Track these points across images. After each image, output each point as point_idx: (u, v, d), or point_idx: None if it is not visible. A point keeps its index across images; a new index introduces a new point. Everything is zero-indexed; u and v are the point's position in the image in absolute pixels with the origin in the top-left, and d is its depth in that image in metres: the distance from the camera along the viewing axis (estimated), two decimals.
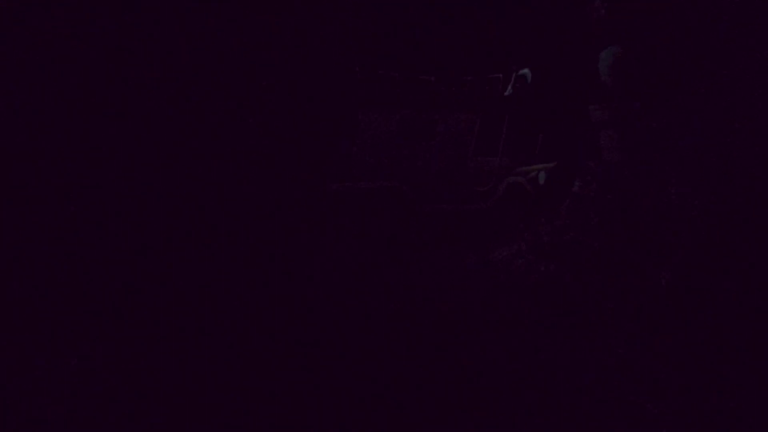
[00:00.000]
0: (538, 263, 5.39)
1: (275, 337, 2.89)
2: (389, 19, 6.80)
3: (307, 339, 2.95)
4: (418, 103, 6.38)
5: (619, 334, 4.24)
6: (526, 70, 6.00)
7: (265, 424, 2.03)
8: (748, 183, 4.33)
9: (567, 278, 5.14)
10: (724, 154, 4.52)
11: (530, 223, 5.54)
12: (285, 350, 2.66)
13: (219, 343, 2.57)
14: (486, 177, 6.10)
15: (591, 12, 5.25)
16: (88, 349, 2.13)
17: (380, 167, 6.22)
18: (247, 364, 2.44)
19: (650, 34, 5.62)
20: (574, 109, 5.76)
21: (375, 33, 6.70)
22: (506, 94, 6.22)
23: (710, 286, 4.38)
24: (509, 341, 3.79)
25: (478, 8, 6.40)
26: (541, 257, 5.42)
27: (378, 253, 5.97)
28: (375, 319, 3.99)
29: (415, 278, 5.59)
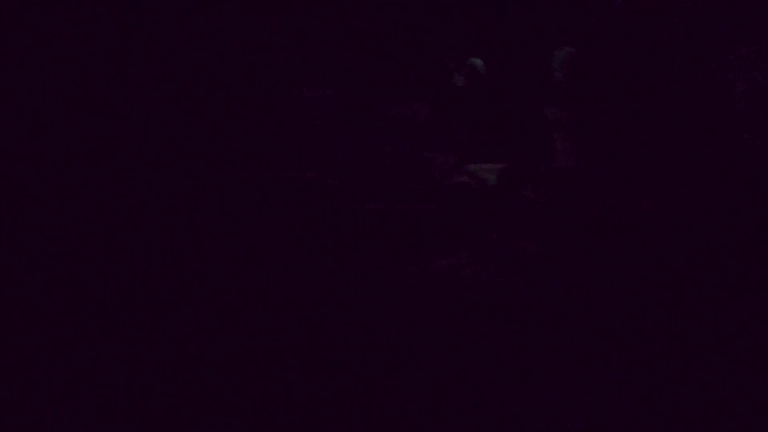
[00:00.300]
0: (486, 273, 4.86)
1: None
2: None
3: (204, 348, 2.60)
4: (356, 83, 5.59)
5: (570, 347, 3.88)
6: (478, 60, 5.50)
7: None
8: (702, 193, 4.15)
9: (517, 290, 4.66)
10: (676, 163, 4.32)
11: (478, 229, 5.01)
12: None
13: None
14: (430, 174, 5.48)
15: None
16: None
17: (309, 154, 5.32)
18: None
19: (604, 36, 5.39)
20: (529, 107, 5.35)
21: (313, 5, 5.83)
22: (456, 83, 5.67)
23: (662, 296, 4.15)
24: (452, 356, 3.37)
25: None
26: (489, 267, 4.89)
27: (299, 256, 5.08)
28: (295, 335, 3.23)
29: (343, 286, 4.82)
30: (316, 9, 6.14)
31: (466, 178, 5.21)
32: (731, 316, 3.76)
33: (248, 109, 5.45)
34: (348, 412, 2.17)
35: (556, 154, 4.99)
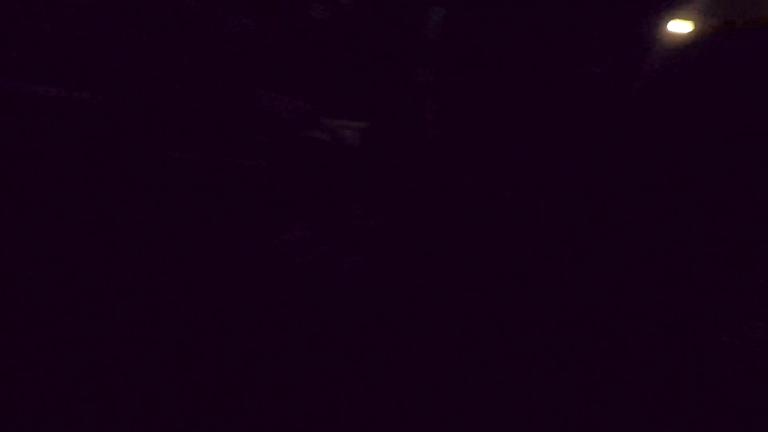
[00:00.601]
0: (339, 253, 3.89)
1: None
2: None
3: None
4: None
5: (434, 338, 3.48)
6: None
7: None
8: (570, 176, 4.12)
9: (375, 273, 3.87)
10: (548, 141, 4.23)
11: (335, 196, 4.00)
12: None
13: None
14: (274, 122, 4.14)
15: None
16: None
17: (80, 66, 3.35)
18: None
19: (478, 3, 5.03)
20: (400, 65, 4.58)
21: None
22: (314, 14, 4.46)
23: (526, 281, 3.98)
24: (290, 350, 2.87)
25: None
26: (343, 245, 3.95)
27: (68, 217, 3.19)
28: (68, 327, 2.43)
29: (139, 267, 3.24)
30: None
31: (321, 133, 4.11)
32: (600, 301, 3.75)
33: None
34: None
35: (426, 120, 4.37)
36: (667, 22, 4.16)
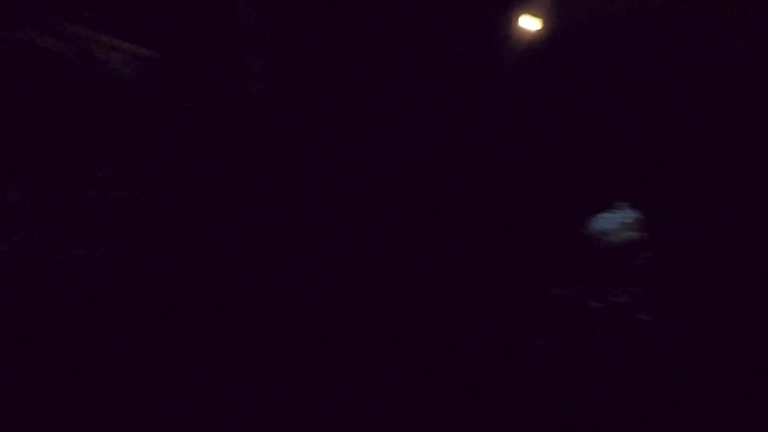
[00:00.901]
0: (52, 240, 2.25)
1: None
2: None
3: None
4: None
5: (250, 344, 2.84)
6: None
7: None
8: (416, 166, 3.27)
9: (106, 274, 2.36)
10: (402, 123, 3.33)
11: (62, 150, 2.36)
12: None
13: None
14: None
15: None
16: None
17: None
18: None
19: None
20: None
21: None
22: None
23: (347, 284, 3.07)
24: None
25: None
26: (64, 227, 2.31)
27: None
28: None
29: None
30: None
31: (60, 43, 2.44)
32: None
33: None
34: None
35: (249, 69, 3.10)
36: (518, 17, 3.77)
